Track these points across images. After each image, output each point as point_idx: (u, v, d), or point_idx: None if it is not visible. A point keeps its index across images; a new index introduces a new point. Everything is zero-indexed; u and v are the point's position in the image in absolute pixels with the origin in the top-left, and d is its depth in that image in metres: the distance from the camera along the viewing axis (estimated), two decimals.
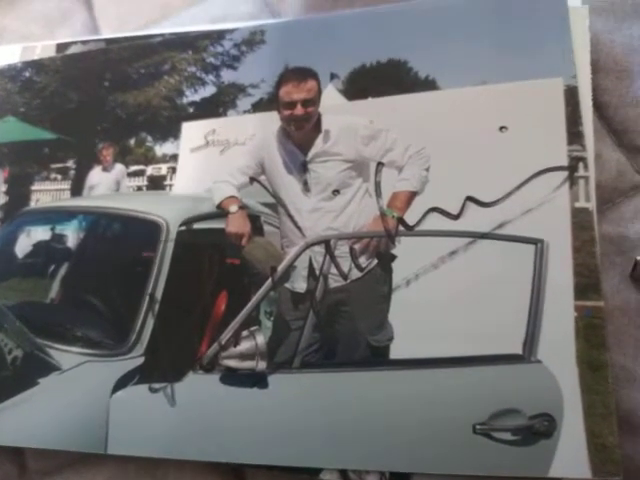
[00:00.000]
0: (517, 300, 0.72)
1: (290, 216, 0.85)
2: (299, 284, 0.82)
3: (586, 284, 0.71)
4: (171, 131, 0.96)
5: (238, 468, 0.77)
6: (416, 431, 0.70)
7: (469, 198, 0.76)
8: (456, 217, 0.76)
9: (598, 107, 0.80)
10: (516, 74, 0.80)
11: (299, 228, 0.84)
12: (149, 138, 0.98)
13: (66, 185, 1.02)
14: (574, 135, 0.76)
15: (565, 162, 0.75)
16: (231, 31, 0.97)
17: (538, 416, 0.68)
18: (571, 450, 0.66)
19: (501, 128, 0.79)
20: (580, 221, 0.73)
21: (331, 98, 0.87)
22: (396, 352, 0.76)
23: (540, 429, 0.67)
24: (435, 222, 0.77)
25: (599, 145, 0.78)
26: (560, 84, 0.78)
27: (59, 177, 1.03)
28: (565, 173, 0.75)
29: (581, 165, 0.76)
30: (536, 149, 0.77)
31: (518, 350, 0.71)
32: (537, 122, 0.78)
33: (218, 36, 0.98)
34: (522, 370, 0.70)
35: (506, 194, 0.75)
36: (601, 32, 0.82)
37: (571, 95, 0.78)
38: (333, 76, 0.88)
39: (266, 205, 0.88)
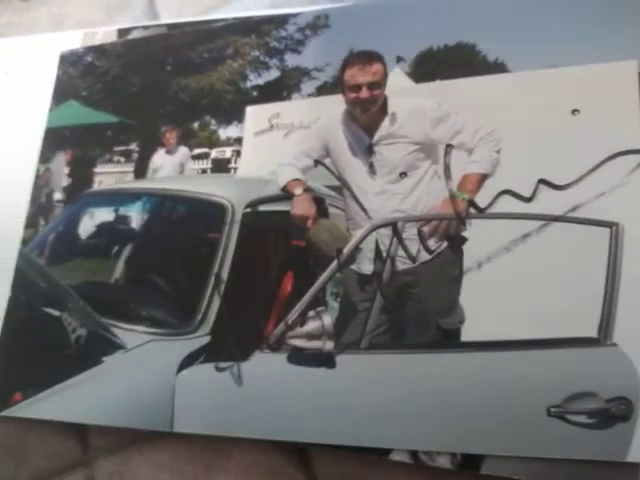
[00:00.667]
0: (592, 283, 0.71)
1: (355, 198, 0.85)
2: (365, 266, 0.82)
3: None
4: (235, 114, 0.97)
5: (303, 448, 0.77)
6: (489, 413, 0.70)
7: (542, 181, 0.76)
8: (529, 200, 0.76)
9: None
10: (588, 56, 0.79)
11: (365, 210, 0.84)
12: (213, 121, 0.99)
13: (129, 167, 1.03)
14: None
15: None
16: (295, 15, 0.97)
17: (614, 399, 0.67)
18: None
19: (573, 111, 0.78)
20: None
21: (398, 81, 0.87)
22: (468, 334, 0.75)
23: (617, 412, 0.66)
24: (507, 205, 0.77)
25: None
26: (635, 67, 0.77)
27: (122, 160, 1.04)
28: None
29: None
30: (610, 132, 0.76)
31: (593, 333, 0.70)
32: (610, 105, 0.77)
33: (281, 20, 0.98)
34: (597, 353, 0.70)
35: (580, 177, 0.75)
36: None
37: None
38: (399, 59, 0.87)
39: (331, 188, 0.89)
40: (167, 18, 1.12)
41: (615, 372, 0.68)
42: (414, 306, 0.79)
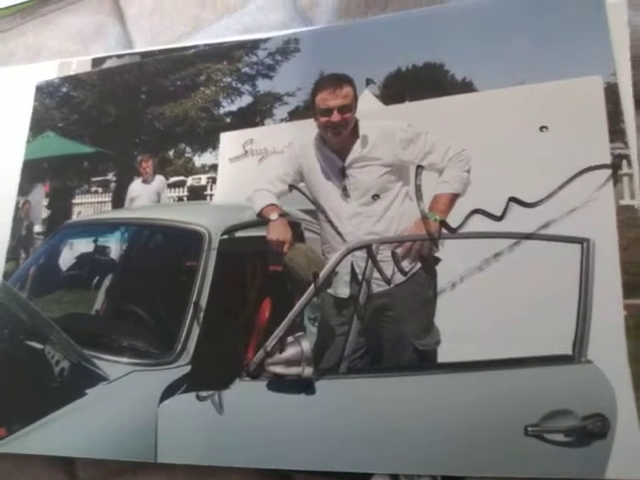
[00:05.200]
0: (565, 300, 0.71)
1: (330, 222, 0.85)
2: (342, 289, 0.83)
3: (634, 282, 0.70)
4: (209, 141, 0.97)
5: (287, 474, 0.77)
6: (468, 434, 0.70)
7: (512, 199, 0.76)
8: (499, 218, 0.76)
9: (639, 103, 0.79)
10: (554, 73, 0.80)
11: (339, 234, 0.84)
12: (188, 149, 0.99)
13: (107, 198, 1.03)
14: (616, 133, 0.76)
15: (608, 160, 0.75)
16: (265, 40, 0.97)
17: (591, 416, 0.67)
18: (627, 450, 0.65)
19: (541, 128, 0.78)
20: (626, 219, 0.73)
21: (368, 103, 0.87)
22: (444, 356, 0.75)
23: (593, 430, 0.66)
24: (478, 224, 0.77)
25: None
26: (600, 82, 0.77)
27: (100, 190, 1.04)
28: (608, 171, 0.74)
29: (624, 162, 0.75)
30: (578, 148, 0.76)
31: (568, 351, 0.71)
32: (578, 121, 0.77)
33: (252, 46, 0.98)
34: (573, 371, 0.70)
35: (549, 194, 0.75)
36: None
37: (611, 92, 0.77)
38: (369, 81, 0.88)
39: (306, 212, 0.89)
40: (141, 46, 1.12)
41: (591, 389, 0.68)
42: (390, 328, 0.79)
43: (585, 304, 0.70)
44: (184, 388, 0.81)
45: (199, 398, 0.79)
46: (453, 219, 0.78)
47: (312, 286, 0.79)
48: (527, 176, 0.77)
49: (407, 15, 0.91)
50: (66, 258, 1.00)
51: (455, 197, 0.80)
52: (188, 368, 0.82)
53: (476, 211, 0.77)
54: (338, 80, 0.85)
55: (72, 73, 1.12)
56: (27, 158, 1.07)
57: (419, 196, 0.81)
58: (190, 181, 0.98)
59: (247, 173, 0.92)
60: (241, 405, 0.78)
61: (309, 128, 0.88)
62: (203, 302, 0.84)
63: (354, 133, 0.85)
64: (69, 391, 0.84)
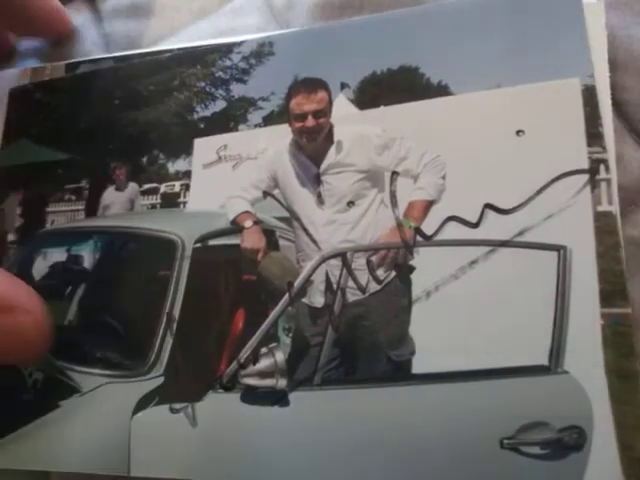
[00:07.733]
0: (541, 309, 0.70)
1: (305, 229, 0.84)
2: (317, 299, 0.81)
3: (612, 291, 0.69)
4: (183, 148, 0.95)
5: None
6: (441, 447, 0.68)
7: (488, 205, 0.74)
8: (475, 225, 0.75)
9: (617, 106, 0.77)
10: (531, 75, 0.78)
11: (314, 241, 0.82)
12: (161, 155, 0.97)
13: (81, 206, 1.01)
14: (594, 136, 0.74)
15: (586, 165, 0.73)
16: (239, 44, 0.96)
17: (567, 429, 0.66)
18: (604, 464, 0.64)
19: (518, 132, 0.77)
20: (603, 225, 0.71)
21: (342, 108, 0.85)
22: (418, 366, 0.74)
23: (570, 442, 0.65)
24: (454, 231, 0.75)
25: (620, 146, 0.75)
26: (577, 84, 0.76)
27: (73, 198, 1.02)
28: (586, 176, 0.73)
29: (602, 167, 0.73)
30: (555, 152, 0.74)
31: (544, 361, 0.69)
32: (555, 124, 0.76)
33: (226, 49, 0.96)
34: (549, 381, 0.68)
35: (526, 200, 0.73)
36: (618, 28, 0.80)
37: (589, 95, 0.76)
38: (344, 85, 0.86)
39: (281, 219, 0.87)
40: (116, 50, 1.11)
41: (567, 400, 0.67)
42: (365, 338, 0.77)
43: (562, 313, 0.69)
44: (157, 400, 0.79)
45: (172, 410, 0.78)
46: (428, 226, 0.77)
47: (287, 295, 0.78)
48: (503, 182, 0.75)
49: (382, 17, 0.89)
50: (39, 267, 0.99)
51: (430, 204, 0.78)
52: (161, 380, 0.80)
53: (451, 218, 0.76)
54: (313, 84, 0.84)
55: (46, 78, 1.09)
56: (0, 166, 1.05)
57: (394, 203, 0.80)
58: (163, 188, 0.97)
59: (221, 179, 0.90)
60: (215, 418, 0.77)
61: (283, 134, 0.87)
62: (176, 312, 0.82)
63: (329, 138, 0.84)
64: (42, 403, 0.83)
